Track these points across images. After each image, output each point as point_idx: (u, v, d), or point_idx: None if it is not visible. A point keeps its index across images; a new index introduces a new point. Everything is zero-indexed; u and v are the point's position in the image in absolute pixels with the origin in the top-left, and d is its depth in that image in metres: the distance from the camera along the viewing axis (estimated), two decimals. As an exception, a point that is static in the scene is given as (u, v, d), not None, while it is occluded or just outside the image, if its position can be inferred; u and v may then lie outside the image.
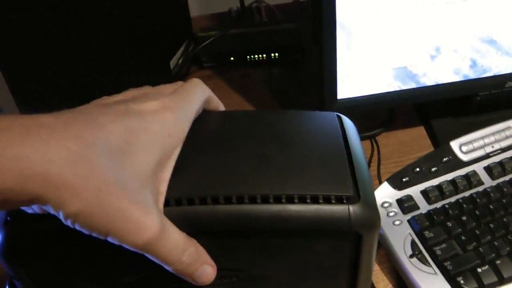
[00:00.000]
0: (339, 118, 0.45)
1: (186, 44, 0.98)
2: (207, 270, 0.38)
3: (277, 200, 0.37)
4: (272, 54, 0.97)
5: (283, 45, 0.98)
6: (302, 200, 0.37)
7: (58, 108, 0.35)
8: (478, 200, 0.66)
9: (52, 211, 0.32)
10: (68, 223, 0.33)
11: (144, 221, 0.33)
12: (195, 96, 0.43)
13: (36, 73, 0.61)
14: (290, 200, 0.37)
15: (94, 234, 0.33)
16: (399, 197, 0.67)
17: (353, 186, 0.38)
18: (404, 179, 0.69)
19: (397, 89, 0.72)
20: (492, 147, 0.72)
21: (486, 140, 0.72)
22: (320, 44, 0.67)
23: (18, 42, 0.57)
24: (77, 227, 0.33)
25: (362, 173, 0.40)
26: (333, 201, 0.37)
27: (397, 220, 0.65)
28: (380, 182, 0.74)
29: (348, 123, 0.45)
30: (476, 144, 0.72)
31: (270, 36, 1.00)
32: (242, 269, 0.42)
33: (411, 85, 0.72)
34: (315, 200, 0.37)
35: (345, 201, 0.37)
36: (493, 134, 0.73)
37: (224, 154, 0.41)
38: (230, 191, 0.37)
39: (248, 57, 0.97)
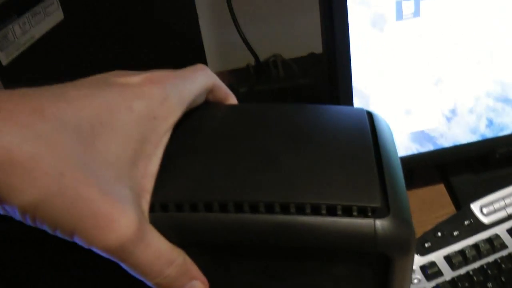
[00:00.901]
0: (370, 115, 0.37)
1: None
2: (197, 286, 0.31)
3: (284, 209, 0.29)
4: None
5: (300, 101, 0.98)
6: (316, 210, 0.29)
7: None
8: (503, 265, 0.66)
9: (4, 207, 0.26)
10: (27, 220, 0.26)
11: (118, 219, 0.26)
12: (196, 78, 0.35)
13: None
14: (301, 209, 0.29)
15: (58, 233, 0.26)
16: (422, 263, 0.67)
17: (381, 196, 0.30)
18: (426, 244, 0.69)
19: (415, 152, 0.72)
20: (514, 207, 0.72)
21: (507, 201, 0.72)
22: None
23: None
24: (39, 224, 0.26)
25: (395, 180, 0.31)
26: (354, 213, 0.29)
27: (421, 287, 0.65)
28: (402, 246, 0.73)
29: (380, 121, 0.37)
30: (497, 206, 0.71)
31: (286, 92, 1.01)
32: None
33: (429, 147, 0.73)
34: (331, 211, 0.29)
35: (370, 214, 0.29)
36: (514, 193, 0.72)
37: (224, 151, 0.33)
38: (227, 196, 0.30)
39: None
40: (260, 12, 1.10)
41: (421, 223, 0.76)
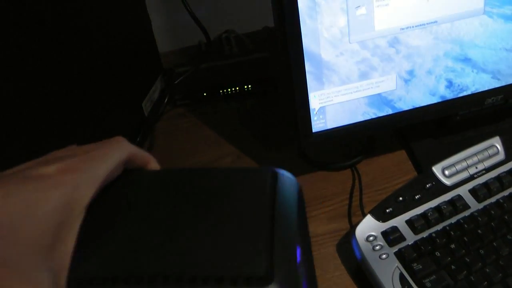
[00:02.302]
0: (274, 176, 0.39)
1: (158, 82, 0.96)
2: None
3: (178, 281, 0.33)
4: (245, 86, 0.95)
5: (256, 76, 0.96)
6: (206, 281, 0.32)
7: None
8: (465, 225, 0.64)
9: None
10: None
11: None
12: (109, 155, 0.37)
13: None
14: (193, 281, 0.32)
15: None
16: (383, 229, 0.65)
17: (268, 264, 0.33)
18: (387, 210, 0.66)
19: (373, 116, 0.70)
20: (476, 168, 0.70)
21: (469, 161, 0.70)
22: (289, 76, 0.65)
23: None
24: None
25: (283, 245, 0.34)
26: (240, 283, 0.32)
27: (384, 253, 0.63)
28: (363, 214, 0.71)
29: (287, 182, 0.39)
30: (459, 167, 0.70)
31: (242, 67, 0.98)
32: None
33: (387, 111, 0.70)
34: (219, 282, 0.32)
35: (254, 282, 0.32)
36: (475, 154, 0.70)
37: (131, 224, 0.36)
38: (131, 271, 0.33)
39: (220, 91, 0.95)
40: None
41: (383, 191, 0.75)
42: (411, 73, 0.68)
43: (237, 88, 0.95)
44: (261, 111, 0.93)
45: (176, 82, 0.95)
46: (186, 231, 0.35)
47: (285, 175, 0.39)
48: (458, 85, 0.71)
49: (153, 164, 0.42)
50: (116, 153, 0.38)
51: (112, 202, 0.38)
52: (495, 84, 0.72)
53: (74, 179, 0.34)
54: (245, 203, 0.37)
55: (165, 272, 0.33)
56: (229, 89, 0.95)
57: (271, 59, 0.97)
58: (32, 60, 0.61)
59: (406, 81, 0.69)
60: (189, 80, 0.95)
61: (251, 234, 0.34)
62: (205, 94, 0.95)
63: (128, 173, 0.40)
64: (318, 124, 0.69)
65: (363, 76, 0.67)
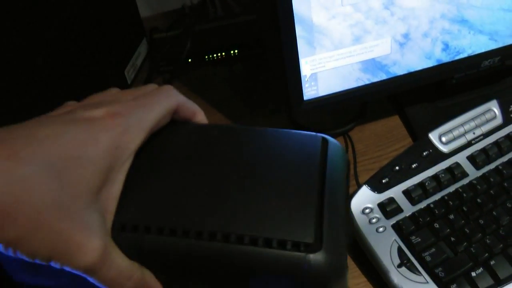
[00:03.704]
0: (325, 143, 0.39)
1: (140, 48, 0.92)
2: None
3: (226, 238, 0.33)
4: (232, 51, 0.91)
5: (243, 40, 0.92)
6: (254, 241, 0.33)
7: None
8: (464, 194, 0.62)
9: None
10: (9, 252, 0.30)
11: (87, 244, 0.31)
12: (157, 103, 0.38)
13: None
14: (240, 240, 0.33)
15: (36, 261, 0.31)
16: (380, 201, 0.62)
17: (315, 231, 0.33)
18: (383, 180, 0.64)
19: (367, 82, 0.67)
20: (473, 133, 0.67)
21: (466, 127, 0.67)
22: (279, 41, 0.61)
23: None
24: (19, 255, 0.30)
25: (332, 214, 0.34)
26: (288, 247, 0.32)
27: (381, 226, 0.60)
28: (358, 183, 0.69)
29: (335, 149, 0.39)
30: (456, 133, 0.67)
31: (228, 31, 0.93)
32: None
33: (382, 76, 0.67)
34: (267, 244, 0.33)
35: (302, 249, 0.32)
36: (473, 119, 0.68)
37: (180, 176, 0.37)
38: (177, 222, 0.33)
39: (206, 56, 0.91)
40: None
41: (377, 159, 0.72)
42: (406, 36, 0.65)
43: (224, 53, 0.91)
44: (249, 76, 0.90)
45: (159, 47, 0.91)
46: (235, 190, 0.35)
47: (333, 142, 0.39)
48: (455, 48, 0.68)
49: (200, 117, 0.42)
50: (164, 101, 0.38)
51: (160, 151, 0.38)
52: (492, 45, 0.69)
53: (123, 123, 0.34)
54: (296, 168, 0.36)
55: (212, 228, 0.33)
56: (215, 55, 0.91)
57: (258, 22, 0.93)
58: (9, 26, 0.57)
59: (401, 44, 0.65)
60: (173, 46, 0.91)
61: (301, 199, 0.34)
62: (190, 60, 0.91)
63: (177, 124, 0.40)
64: (310, 91, 0.66)
65: (357, 40, 0.64)
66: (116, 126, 0.34)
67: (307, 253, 0.32)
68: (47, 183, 0.30)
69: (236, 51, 0.91)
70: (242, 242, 0.33)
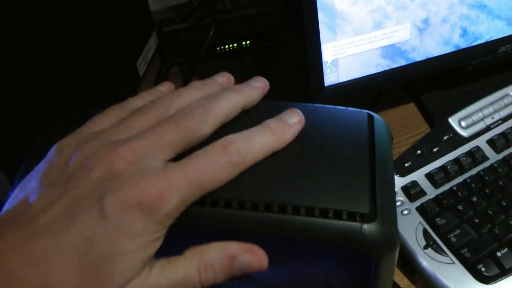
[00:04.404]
0: (370, 118, 0.39)
1: (151, 41, 0.92)
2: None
3: (282, 209, 0.33)
4: (243, 43, 0.91)
5: (253, 32, 0.92)
6: (310, 212, 0.33)
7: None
8: (486, 177, 0.62)
9: None
10: None
11: None
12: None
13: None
14: (296, 210, 0.33)
15: None
16: (403, 184, 0.63)
17: (370, 202, 0.33)
18: (406, 164, 0.64)
19: (387, 68, 0.67)
20: (492, 118, 0.68)
21: (485, 112, 0.68)
22: (301, 28, 0.62)
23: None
24: None
25: (385, 186, 0.35)
26: (344, 217, 0.33)
27: (405, 209, 0.61)
28: (379, 169, 0.69)
29: (380, 125, 0.39)
30: (475, 117, 0.68)
31: (237, 23, 0.94)
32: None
33: (401, 62, 0.68)
34: (324, 214, 0.33)
35: (358, 219, 0.32)
36: (491, 104, 0.68)
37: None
38: (232, 194, 0.33)
39: (218, 48, 0.91)
40: None
41: (395, 145, 0.73)
42: (425, 21, 0.66)
43: (235, 45, 0.91)
44: (260, 67, 0.90)
45: (169, 40, 0.91)
46: (289, 162, 0.35)
47: (378, 118, 0.39)
48: (473, 33, 0.69)
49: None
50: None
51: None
52: (510, 31, 0.70)
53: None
54: (346, 142, 0.37)
55: (268, 199, 0.33)
56: (226, 46, 0.91)
57: (269, 13, 0.94)
58: (22, 24, 0.57)
59: (421, 30, 0.66)
60: (183, 39, 0.91)
61: (354, 171, 0.35)
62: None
63: None
64: (331, 77, 0.66)
65: (377, 25, 0.64)
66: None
67: (363, 223, 0.32)
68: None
69: (247, 42, 0.91)
70: (298, 213, 0.33)
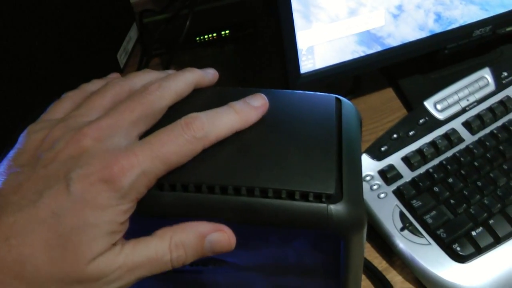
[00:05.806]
0: (338, 102, 0.40)
1: (131, 32, 0.92)
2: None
3: (250, 192, 0.34)
4: (222, 32, 0.92)
5: (234, 21, 0.92)
6: (277, 194, 0.34)
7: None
8: (461, 158, 0.63)
9: None
10: None
11: None
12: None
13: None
14: (264, 193, 0.34)
15: None
16: (380, 168, 0.64)
17: (336, 183, 0.34)
18: (382, 148, 0.66)
19: (363, 54, 0.68)
20: (467, 100, 0.69)
21: (460, 94, 0.69)
22: (277, 16, 0.62)
23: None
24: None
25: (351, 168, 0.35)
26: (310, 199, 0.33)
27: (382, 192, 0.62)
28: (357, 154, 0.70)
29: (348, 108, 0.40)
30: (450, 100, 0.69)
31: (218, 13, 0.94)
32: (221, 259, 0.40)
33: (377, 48, 0.68)
34: (291, 196, 0.34)
35: (324, 200, 0.33)
36: (466, 87, 0.70)
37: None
38: (201, 179, 0.34)
39: (197, 38, 0.91)
40: None
41: (373, 130, 0.73)
42: (399, 8, 0.66)
43: (214, 35, 0.92)
44: (241, 56, 0.91)
45: (150, 31, 0.91)
46: (256, 146, 0.36)
47: (346, 101, 0.40)
48: (447, 18, 0.69)
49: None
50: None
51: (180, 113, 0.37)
52: (483, 15, 0.71)
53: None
54: (314, 125, 0.38)
55: (236, 183, 0.34)
56: (206, 36, 0.92)
57: (249, 2, 0.94)
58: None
59: (395, 16, 0.67)
60: (163, 29, 0.92)
61: (321, 154, 0.35)
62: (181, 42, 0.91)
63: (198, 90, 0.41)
64: (307, 64, 0.67)
65: (352, 12, 0.65)
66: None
67: (329, 204, 0.33)
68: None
69: (226, 32, 0.91)
70: (266, 195, 0.33)
